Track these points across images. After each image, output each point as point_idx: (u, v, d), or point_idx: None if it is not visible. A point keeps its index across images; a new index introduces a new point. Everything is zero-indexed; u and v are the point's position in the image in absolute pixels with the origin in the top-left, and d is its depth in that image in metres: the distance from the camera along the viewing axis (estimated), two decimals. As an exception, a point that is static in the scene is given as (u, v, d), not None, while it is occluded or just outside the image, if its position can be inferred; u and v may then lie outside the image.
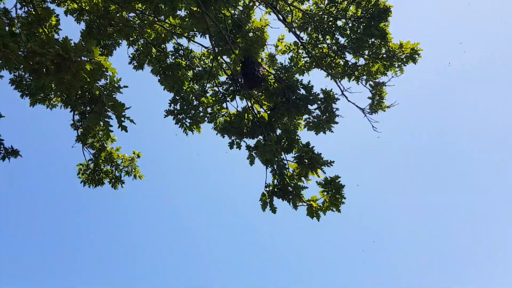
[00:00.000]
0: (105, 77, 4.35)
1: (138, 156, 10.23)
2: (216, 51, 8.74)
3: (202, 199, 27.85)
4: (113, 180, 9.63)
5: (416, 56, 8.77)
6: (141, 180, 10.36)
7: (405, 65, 8.88)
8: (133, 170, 10.13)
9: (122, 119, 4.32)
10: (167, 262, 26.62)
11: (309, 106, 8.03)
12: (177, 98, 8.70)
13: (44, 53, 4.21)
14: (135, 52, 10.10)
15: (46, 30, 8.67)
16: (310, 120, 8.13)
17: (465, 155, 26.98)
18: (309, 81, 7.91)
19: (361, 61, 9.47)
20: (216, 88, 9.23)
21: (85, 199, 26.45)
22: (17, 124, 21.83)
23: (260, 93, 8.76)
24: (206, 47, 9.73)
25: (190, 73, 9.41)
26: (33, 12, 8.81)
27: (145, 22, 9.50)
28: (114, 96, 4.34)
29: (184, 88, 8.76)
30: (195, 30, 9.27)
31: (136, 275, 25.60)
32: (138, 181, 10.31)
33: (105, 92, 4.18)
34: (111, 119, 4.44)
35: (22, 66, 4.41)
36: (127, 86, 4.32)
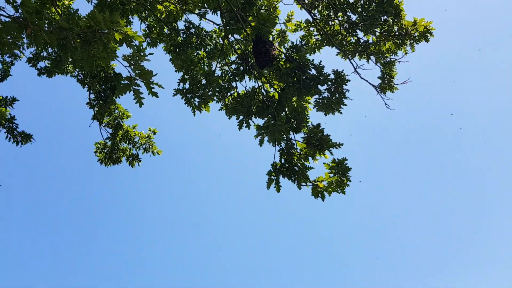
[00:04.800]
0: (132, 46, 4.45)
1: (154, 133, 10.42)
2: (227, 28, 8.76)
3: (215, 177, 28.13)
4: (130, 158, 9.83)
5: (429, 35, 8.76)
6: (159, 155, 10.56)
7: (417, 43, 8.89)
8: (150, 146, 10.33)
9: (151, 86, 4.46)
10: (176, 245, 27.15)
11: (319, 87, 8.08)
12: (186, 77, 8.76)
13: (71, 27, 4.30)
14: (147, 29, 10.12)
15: (59, 10, 8.69)
16: (320, 101, 8.20)
17: (479, 137, 26.83)
18: (320, 61, 7.91)
19: (372, 40, 9.46)
20: (226, 68, 9.29)
21: (100, 177, 26.82)
22: (34, 104, 22.00)
23: (271, 73, 8.81)
24: (218, 24, 9.75)
25: (201, 52, 9.45)
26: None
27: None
28: (141, 64, 4.46)
29: (193, 67, 8.84)
30: (206, 6, 9.27)
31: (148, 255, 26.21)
32: (150, 160, 10.49)
33: (132, 61, 4.31)
34: (140, 87, 4.57)
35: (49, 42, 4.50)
36: (152, 53, 4.44)
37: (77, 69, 8.70)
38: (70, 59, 8.25)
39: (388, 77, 9.72)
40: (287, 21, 10.21)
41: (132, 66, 4.46)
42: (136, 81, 4.53)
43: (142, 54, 4.53)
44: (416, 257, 27.17)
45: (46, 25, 4.50)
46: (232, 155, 27.43)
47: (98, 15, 4.13)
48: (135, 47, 4.51)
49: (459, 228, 27.70)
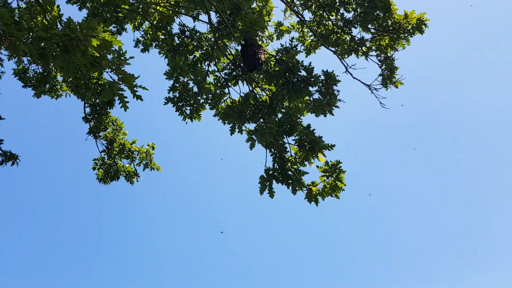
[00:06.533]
0: (112, 52, 4.39)
1: (153, 148, 10.35)
2: (217, 36, 8.66)
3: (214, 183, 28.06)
4: (129, 175, 9.73)
5: (423, 26, 8.59)
6: (158, 171, 10.48)
7: (412, 36, 8.71)
8: (150, 162, 10.26)
9: (135, 89, 4.39)
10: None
11: (310, 88, 7.90)
12: (177, 85, 8.62)
13: (50, 37, 4.24)
14: (143, 35, 10.08)
15: (50, 22, 8.65)
16: (311, 102, 8.03)
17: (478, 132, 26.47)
18: (310, 62, 7.73)
19: (368, 36, 9.30)
20: (218, 74, 9.17)
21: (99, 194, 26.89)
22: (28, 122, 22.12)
23: (261, 76, 8.66)
24: (211, 25, 9.65)
25: (197, 53, 9.31)
26: (34, 2, 8.77)
27: (148, 4, 9.43)
28: (122, 68, 4.40)
29: (184, 75, 8.72)
30: (198, 8, 9.19)
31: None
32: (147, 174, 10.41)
33: (113, 66, 4.25)
34: (124, 91, 4.51)
35: (29, 52, 4.44)
36: (133, 57, 4.39)
37: (69, 83, 8.63)
38: (59, 76, 8.15)
39: (388, 72, 9.50)
40: (285, 10, 10.06)
41: (114, 72, 4.40)
42: (119, 85, 4.46)
43: (122, 58, 4.47)
44: (415, 257, 26.79)
45: (25, 36, 4.43)
46: (231, 159, 27.32)
47: (73, 23, 4.08)
48: (115, 52, 4.46)
49: (457, 227, 27.30)
